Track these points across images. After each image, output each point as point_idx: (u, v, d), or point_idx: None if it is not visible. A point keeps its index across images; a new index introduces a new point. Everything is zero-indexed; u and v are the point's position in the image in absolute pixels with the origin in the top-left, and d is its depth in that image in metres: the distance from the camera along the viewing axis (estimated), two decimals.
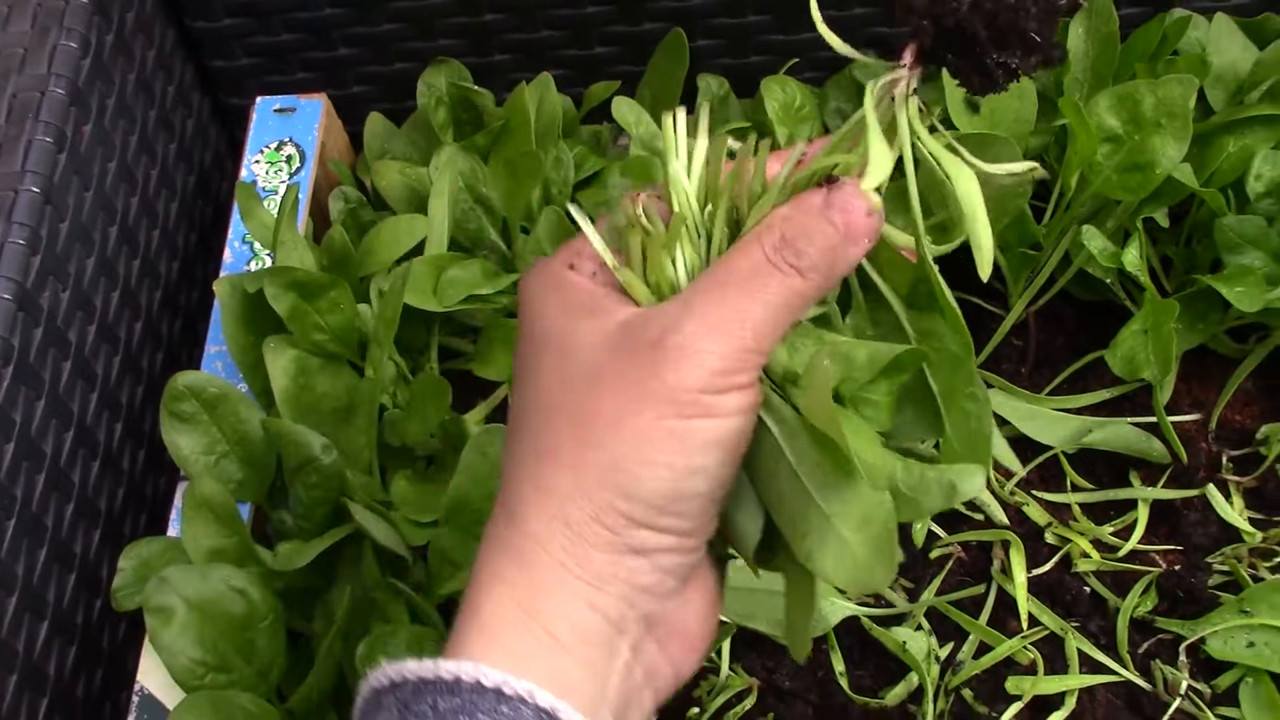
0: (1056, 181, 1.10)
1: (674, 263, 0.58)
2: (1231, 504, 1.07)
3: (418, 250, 1.11)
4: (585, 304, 0.58)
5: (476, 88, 1.20)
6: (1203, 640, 0.99)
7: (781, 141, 1.14)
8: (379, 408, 1.02)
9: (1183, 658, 1.00)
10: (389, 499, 1.01)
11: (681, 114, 0.60)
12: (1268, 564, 1.03)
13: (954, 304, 0.59)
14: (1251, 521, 1.06)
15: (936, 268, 0.59)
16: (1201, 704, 0.98)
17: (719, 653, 1.03)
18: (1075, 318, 1.18)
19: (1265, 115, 1.09)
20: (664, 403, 0.53)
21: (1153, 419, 1.09)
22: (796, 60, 1.26)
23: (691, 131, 0.61)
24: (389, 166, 1.19)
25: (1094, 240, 1.06)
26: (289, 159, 1.22)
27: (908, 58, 0.57)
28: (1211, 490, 1.07)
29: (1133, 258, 1.07)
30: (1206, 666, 1.00)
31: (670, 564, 0.55)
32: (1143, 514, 1.07)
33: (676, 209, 0.59)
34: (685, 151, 0.60)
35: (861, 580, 0.54)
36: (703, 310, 0.55)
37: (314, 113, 1.25)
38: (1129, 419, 1.10)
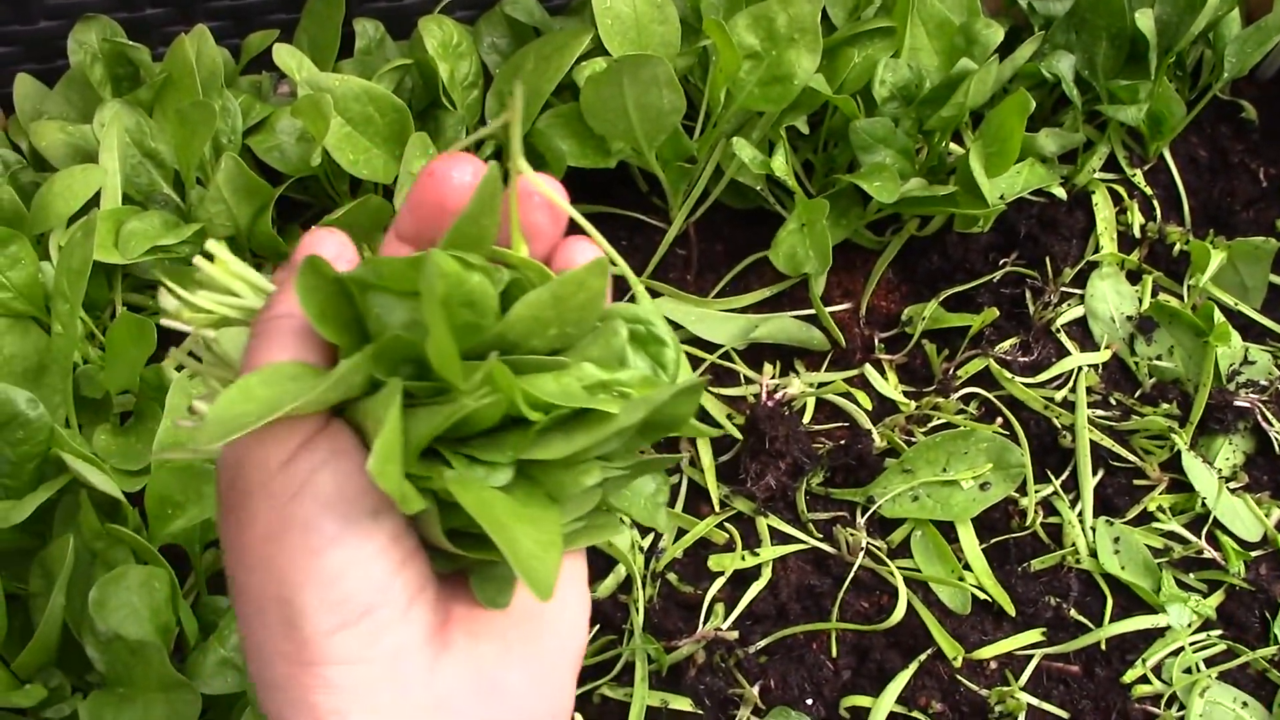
0: (704, 98, 1.18)
1: None
2: (887, 379, 1.18)
3: (92, 206, 1.09)
4: None
5: (131, 43, 1.19)
6: (871, 500, 1.10)
7: (444, 77, 1.18)
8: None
9: (860, 520, 1.10)
10: (94, 452, 1.00)
11: None
12: (922, 429, 1.15)
13: None
14: (905, 394, 1.18)
15: None
16: (883, 557, 1.08)
17: None
18: (731, 225, 1.27)
19: (882, 27, 1.20)
20: None
21: (811, 311, 1.19)
22: None
23: None
24: (48, 126, 1.16)
25: (744, 150, 1.14)
26: None
27: None
28: (868, 369, 1.18)
29: (780, 164, 1.16)
30: (881, 526, 1.11)
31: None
32: (810, 399, 1.17)
33: None
34: None
35: None
36: None
37: None
38: (789, 313, 1.20)
